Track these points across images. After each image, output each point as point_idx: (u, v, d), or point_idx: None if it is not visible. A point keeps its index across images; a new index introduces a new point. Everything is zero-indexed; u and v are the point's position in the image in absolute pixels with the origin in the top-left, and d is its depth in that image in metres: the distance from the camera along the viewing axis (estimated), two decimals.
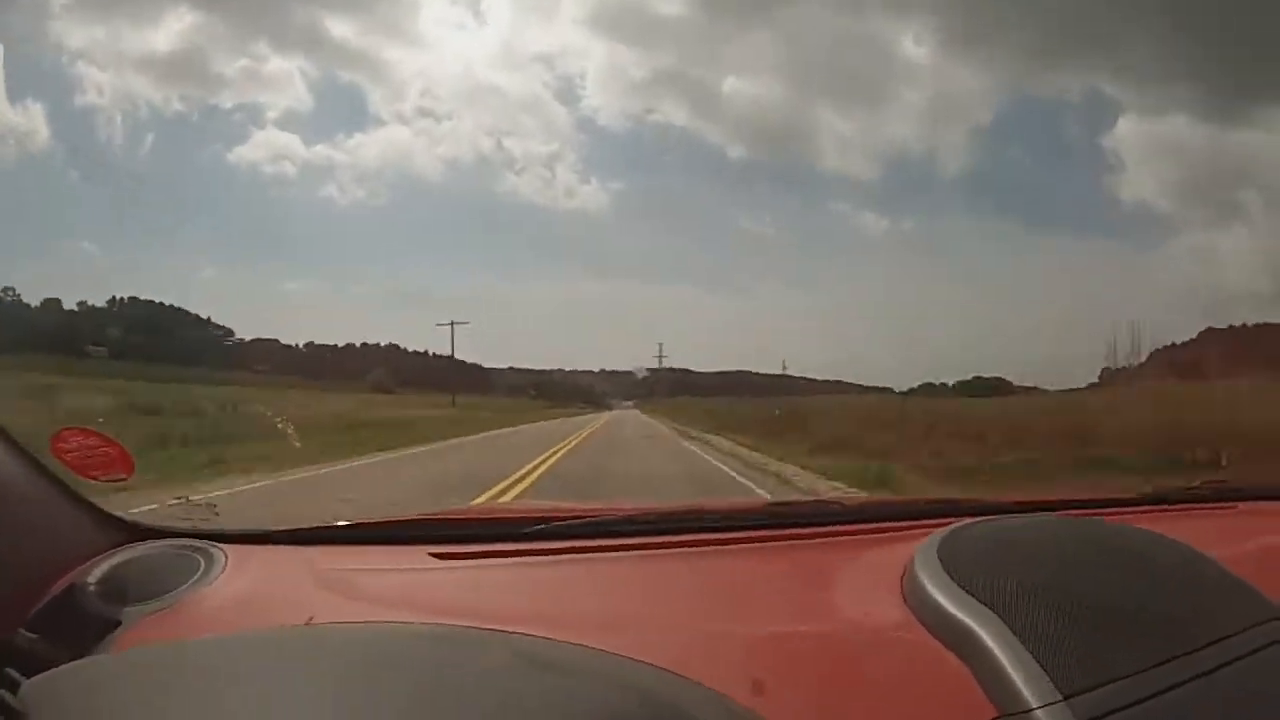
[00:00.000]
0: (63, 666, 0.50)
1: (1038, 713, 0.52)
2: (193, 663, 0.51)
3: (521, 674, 0.52)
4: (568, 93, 48.85)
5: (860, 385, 30.58)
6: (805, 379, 31.92)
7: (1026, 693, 0.53)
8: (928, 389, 25.85)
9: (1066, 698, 0.52)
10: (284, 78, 39.52)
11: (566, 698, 0.50)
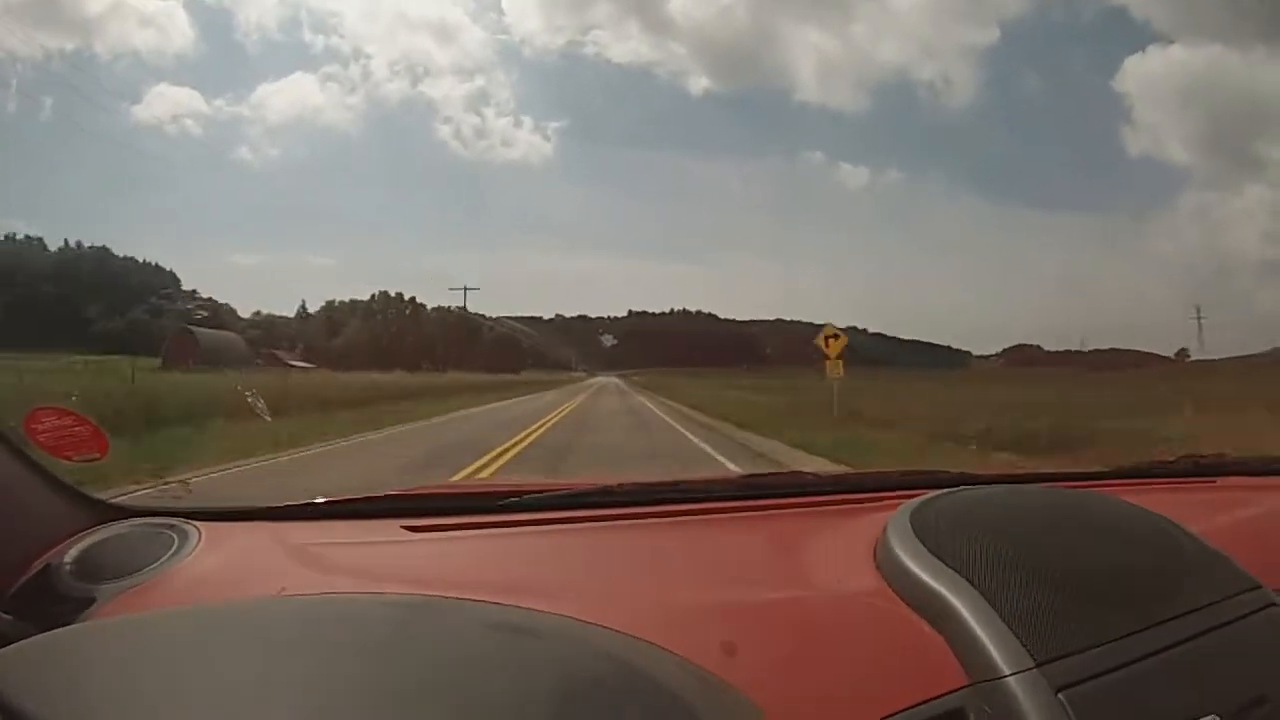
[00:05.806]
0: (29, 639, 0.49)
1: (1010, 680, 0.52)
2: (158, 633, 0.50)
3: (482, 638, 0.51)
4: (486, 15, 42.64)
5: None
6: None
7: (999, 659, 0.53)
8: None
9: (1039, 665, 0.52)
10: (162, 13, 35.04)
11: (526, 659, 0.49)
